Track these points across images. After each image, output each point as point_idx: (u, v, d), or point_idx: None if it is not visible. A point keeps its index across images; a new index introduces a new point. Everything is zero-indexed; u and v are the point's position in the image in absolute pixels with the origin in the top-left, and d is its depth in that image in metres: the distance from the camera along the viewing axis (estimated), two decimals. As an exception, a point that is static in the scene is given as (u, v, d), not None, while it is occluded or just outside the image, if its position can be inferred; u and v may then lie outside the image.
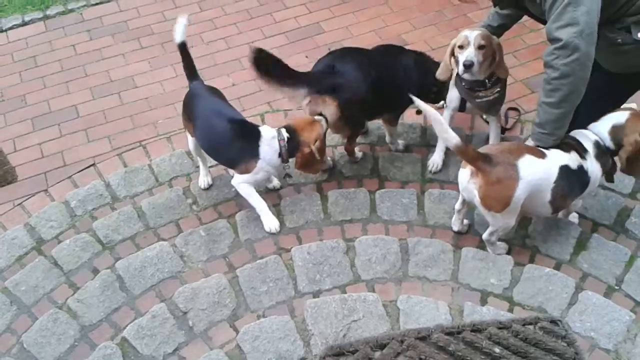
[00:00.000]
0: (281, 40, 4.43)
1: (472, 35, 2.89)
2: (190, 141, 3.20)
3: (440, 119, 2.46)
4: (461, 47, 2.92)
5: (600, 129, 2.71)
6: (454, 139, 2.48)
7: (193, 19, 4.58)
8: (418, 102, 2.50)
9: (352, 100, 2.98)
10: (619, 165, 2.75)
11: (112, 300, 2.80)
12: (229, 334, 2.65)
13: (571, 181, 2.64)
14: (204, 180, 3.31)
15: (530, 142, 2.76)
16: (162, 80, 4.15)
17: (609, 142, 2.69)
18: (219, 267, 2.92)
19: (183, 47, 3.09)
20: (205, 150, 3.12)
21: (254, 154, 2.93)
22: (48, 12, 4.80)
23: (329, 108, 2.97)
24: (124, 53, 4.40)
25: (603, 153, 2.70)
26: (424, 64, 3.26)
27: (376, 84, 3.02)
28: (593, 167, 2.68)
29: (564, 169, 2.61)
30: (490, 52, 2.93)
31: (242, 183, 3.02)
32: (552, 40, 2.44)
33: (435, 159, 3.33)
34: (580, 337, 2.56)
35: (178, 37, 3.06)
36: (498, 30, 3.13)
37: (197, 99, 3.07)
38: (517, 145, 2.73)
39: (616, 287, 2.77)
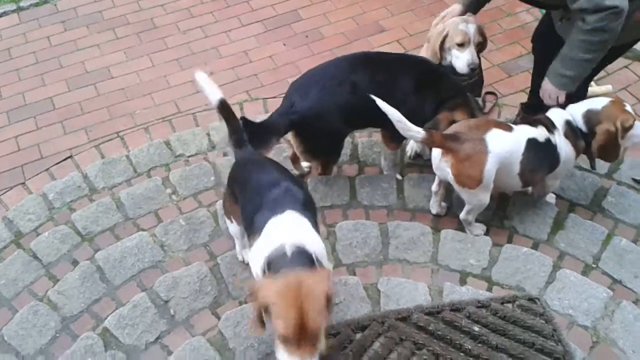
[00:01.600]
0: (258, 28, 4.40)
1: (471, 31, 2.88)
2: (233, 227, 2.67)
3: (401, 117, 2.49)
4: (461, 44, 2.91)
5: (575, 111, 2.75)
6: (418, 133, 2.53)
7: (169, 7, 4.54)
8: (378, 101, 2.50)
9: (313, 134, 2.85)
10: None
11: (92, 291, 2.78)
12: (211, 321, 2.65)
13: (539, 154, 2.67)
14: (241, 254, 2.85)
15: (550, 88, 2.76)
16: (138, 70, 4.11)
17: (581, 125, 2.73)
18: (200, 256, 2.92)
19: (223, 106, 2.41)
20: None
21: None
22: (22, 4, 4.71)
23: (294, 143, 2.92)
24: (99, 44, 4.34)
25: (574, 133, 2.73)
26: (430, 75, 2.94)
27: (351, 102, 2.79)
28: (561, 143, 2.72)
29: (532, 142, 2.65)
30: (483, 42, 2.96)
31: None
32: (603, 8, 2.43)
33: (413, 145, 3.34)
34: (558, 315, 2.60)
35: (214, 96, 2.41)
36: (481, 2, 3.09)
37: (249, 172, 2.35)
38: (484, 121, 2.76)
39: (593, 265, 2.81)
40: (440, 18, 3.08)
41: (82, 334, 2.61)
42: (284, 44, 4.24)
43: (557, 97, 2.76)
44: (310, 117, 2.78)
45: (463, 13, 3.00)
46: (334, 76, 2.84)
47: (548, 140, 2.69)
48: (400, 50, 4.13)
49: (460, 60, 2.95)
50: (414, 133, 2.53)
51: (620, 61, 3.59)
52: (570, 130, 2.73)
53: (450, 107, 2.86)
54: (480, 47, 3.03)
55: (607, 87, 3.67)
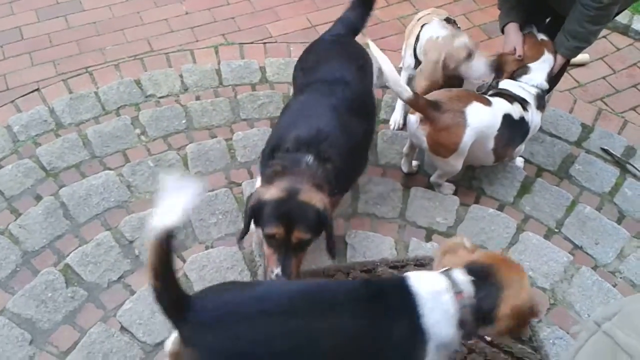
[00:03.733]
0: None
1: (467, 41, 2.86)
2: None
3: (393, 69, 2.47)
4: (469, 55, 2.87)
5: (540, 80, 2.81)
6: (405, 92, 2.51)
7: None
8: (372, 46, 2.49)
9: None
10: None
11: (55, 228, 2.74)
12: (177, 263, 2.61)
13: (513, 130, 2.71)
14: None
15: (560, 59, 2.82)
16: (110, 4, 3.97)
17: (546, 86, 2.83)
18: (167, 198, 2.88)
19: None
20: None
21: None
22: None
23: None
24: (72, -26, 4.17)
25: (542, 98, 2.82)
26: None
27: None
28: (534, 117, 2.78)
29: (507, 118, 2.67)
30: None
31: None
32: None
33: (396, 117, 3.28)
34: (518, 276, 2.65)
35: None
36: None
37: None
38: (466, 93, 2.75)
39: (556, 230, 2.87)
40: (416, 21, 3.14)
41: (43, 269, 2.58)
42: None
43: None
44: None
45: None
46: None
47: (522, 118, 2.72)
48: (382, 4, 4.06)
49: (476, 67, 2.90)
50: (402, 90, 2.51)
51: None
52: (540, 101, 2.80)
53: None
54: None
55: (585, 57, 3.69)
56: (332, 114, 2.32)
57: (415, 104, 2.56)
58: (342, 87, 2.42)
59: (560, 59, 2.81)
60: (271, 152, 2.30)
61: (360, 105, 2.47)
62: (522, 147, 2.97)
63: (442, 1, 4.12)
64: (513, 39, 2.85)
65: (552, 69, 2.82)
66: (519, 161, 3.11)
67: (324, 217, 2.10)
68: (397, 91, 2.54)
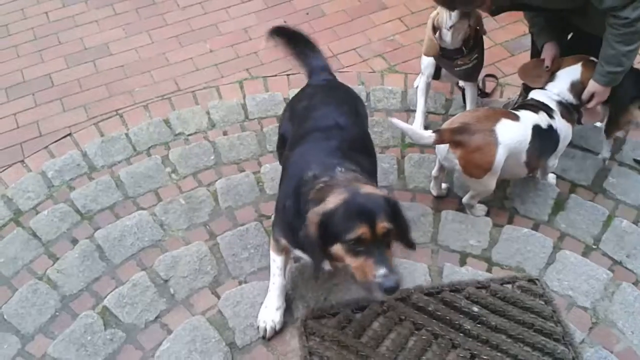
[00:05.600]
0: (258, 5, 4.35)
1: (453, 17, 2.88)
2: None
3: (410, 128, 2.63)
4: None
5: (561, 89, 2.80)
6: (428, 137, 2.60)
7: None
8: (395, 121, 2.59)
9: None
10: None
11: (92, 270, 2.78)
12: (211, 300, 2.65)
13: (543, 140, 2.70)
14: None
15: (598, 89, 2.72)
16: (137, 47, 4.07)
17: (571, 99, 2.79)
18: (200, 235, 2.91)
19: None
20: None
21: None
22: (19, -21, 4.66)
23: None
24: (98, 20, 4.30)
25: (568, 110, 2.79)
26: None
27: None
28: (561, 125, 2.75)
29: (537, 129, 2.67)
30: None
31: None
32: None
33: (416, 125, 3.31)
34: (558, 296, 2.60)
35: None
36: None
37: None
38: (493, 111, 2.78)
39: (594, 247, 2.81)
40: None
41: (82, 313, 2.61)
42: (285, 21, 4.18)
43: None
44: None
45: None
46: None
47: (550, 126, 2.71)
48: (402, 28, 4.09)
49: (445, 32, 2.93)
50: (424, 136, 2.60)
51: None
52: (564, 109, 2.78)
53: None
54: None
55: None
56: (337, 152, 2.25)
57: (442, 140, 2.62)
58: (339, 132, 2.36)
59: (594, 86, 2.71)
60: (294, 193, 2.16)
61: (361, 145, 2.44)
62: (555, 163, 2.93)
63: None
64: (549, 54, 2.90)
65: (580, 84, 2.76)
66: (551, 177, 3.06)
67: (393, 203, 1.99)
68: (423, 142, 2.65)
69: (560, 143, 2.79)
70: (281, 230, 2.32)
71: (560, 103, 2.78)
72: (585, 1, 2.56)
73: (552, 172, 3.04)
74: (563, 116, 2.77)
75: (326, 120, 2.43)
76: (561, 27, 2.96)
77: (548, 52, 2.92)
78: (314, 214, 1.94)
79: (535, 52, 3.10)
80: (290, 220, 2.19)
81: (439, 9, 2.90)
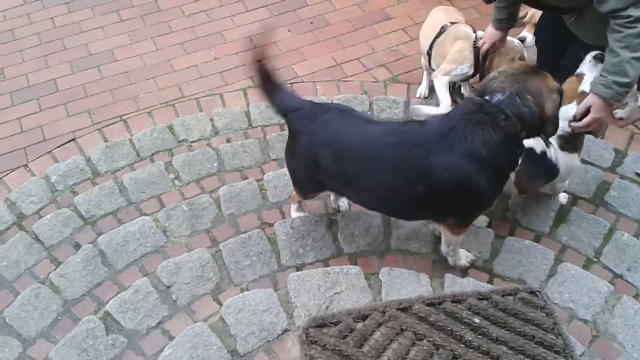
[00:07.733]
0: (263, 14, 4.38)
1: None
2: None
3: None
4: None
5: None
6: None
7: (174, -9, 4.52)
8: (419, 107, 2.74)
9: None
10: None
11: (94, 275, 2.79)
12: (213, 307, 2.65)
13: (535, 165, 2.63)
14: None
15: (599, 104, 2.49)
16: (142, 53, 4.09)
17: (567, 128, 2.64)
18: (202, 242, 2.92)
19: None
20: None
21: None
22: (25, -16, 4.69)
23: None
24: (104, 26, 4.32)
25: (567, 141, 2.68)
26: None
27: None
28: (558, 156, 2.68)
29: (529, 152, 2.56)
30: None
31: None
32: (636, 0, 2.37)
33: (422, 90, 3.67)
34: (559, 308, 2.60)
35: None
36: (508, 22, 3.03)
37: None
38: None
39: (595, 259, 2.81)
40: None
41: (84, 318, 2.62)
42: (289, 30, 4.22)
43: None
44: None
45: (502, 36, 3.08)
46: None
47: (544, 153, 2.64)
48: (406, 39, 4.12)
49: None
50: None
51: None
52: (563, 141, 2.68)
53: None
54: None
55: None
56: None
57: None
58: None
59: (593, 99, 2.50)
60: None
61: None
62: (563, 186, 2.93)
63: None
64: (489, 38, 3.07)
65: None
66: (563, 197, 3.03)
67: None
68: None
69: (562, 173, 2.73)
70: None
71: (560, 137, 2.66)
72: (581, 2, 2.52)
73: (564, 192, 3.02)
74: (562, 148, 2.69)
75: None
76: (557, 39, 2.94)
77: (490, 36, 3.06)
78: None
79: (541, 58, 3.15)
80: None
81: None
